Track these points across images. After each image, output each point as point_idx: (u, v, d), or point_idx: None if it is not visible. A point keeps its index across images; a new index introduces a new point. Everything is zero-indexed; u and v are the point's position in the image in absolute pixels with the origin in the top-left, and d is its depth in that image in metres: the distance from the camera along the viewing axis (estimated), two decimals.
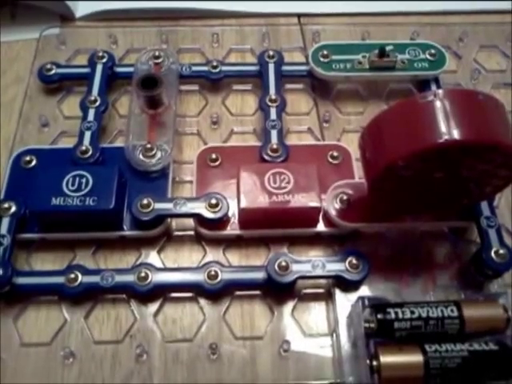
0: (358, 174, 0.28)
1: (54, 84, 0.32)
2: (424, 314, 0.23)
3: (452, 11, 0.37)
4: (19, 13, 0.36)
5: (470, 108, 0.21)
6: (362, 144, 0.23)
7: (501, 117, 0.21)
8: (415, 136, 0.20)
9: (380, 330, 0.22)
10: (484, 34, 0.36)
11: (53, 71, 0.31)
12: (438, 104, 0.20)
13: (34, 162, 0.28)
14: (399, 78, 0.32)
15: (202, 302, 0.25)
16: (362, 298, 0.24)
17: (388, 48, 0.31)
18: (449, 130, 0.20)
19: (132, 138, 0.28)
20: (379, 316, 0.23)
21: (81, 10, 0.36)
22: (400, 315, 0.23)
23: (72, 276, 0.24)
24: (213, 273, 0.25)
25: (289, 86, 0.33)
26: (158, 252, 0.27)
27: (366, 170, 0.23)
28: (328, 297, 0.26)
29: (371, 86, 0.33)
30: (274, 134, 0.29)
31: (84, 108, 0.29)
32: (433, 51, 0.32)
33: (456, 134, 0.20)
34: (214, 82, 0.32)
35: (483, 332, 0.23)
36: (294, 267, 0.24)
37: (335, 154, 0.29)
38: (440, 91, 0.21)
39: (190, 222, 0.27)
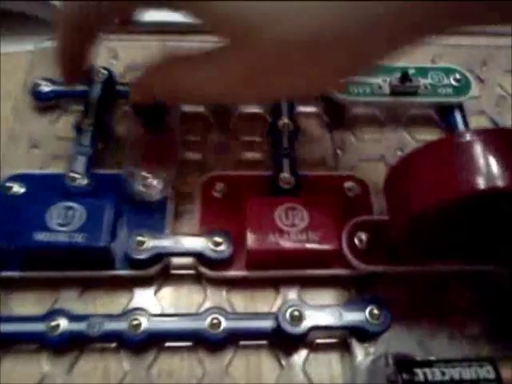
0: (377, 208, 0.26)
1: (48, 102, 0.29)
2: (456, 376, 0.20)
3: (476, 32, 0.34)
4: (14, 23, 0.33)
5: None
6: (389, 183, 0.21)
7: None
8: (453, 181, 0.18)
9: None
10: (508, 58, 0.33)
11: (46, 88, 0.29)
12: (478, 144, 0.18)
13: (19, 189, 0.25)
14: (422, 104, 0.30)
15: (202, 352, 0.22)
16: (385, 356, 0.21)
17: (410, 72, 0.29)
18: (492, 175, 0.17)
19: (129, 164, 0.25)
20: (405, 377, 0.20)
21: None
22: (429, 376, 0.20)
23: (53, 323, 0.21)
24: (215, 321, 0.22)
25: (300, 108, 0.30)
26: (154, 293, 0.24)
27: (394, 211, 0.21)
28: (343, 347, 0.23)
29: (389, 111, 0.31)
30: (285, 162, 0.26)
31: (79, 130, 0.27)
32: (457, 76, 0.30)
33: (500, 181, 0.17)
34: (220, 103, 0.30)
35: None
36: (308, 317, 0.22)
37: (351, 185, 0.26)
38: (480, 130, 0.18)
39: (190, 259, 0.24)
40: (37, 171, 0.27)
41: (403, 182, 0.20)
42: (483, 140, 0.18)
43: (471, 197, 0.17)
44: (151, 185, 0.25)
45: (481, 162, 0.17)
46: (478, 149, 0.18)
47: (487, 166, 0.17)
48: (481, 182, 0.17)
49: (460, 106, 0.30)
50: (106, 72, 0.29)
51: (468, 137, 0.18)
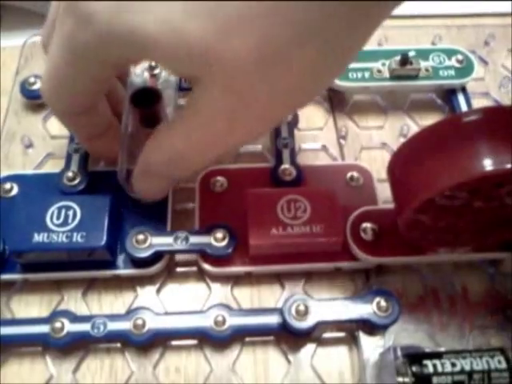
0: (382, 197, 0.25)
1: (39, 99, 0.28)
2: (467, 367, 0.20)
3: (479, 14, 0.33)
4: (4, 16, 0.32)
5: None
6: (394, 170, 0.20)
7: None
8: (466, 162, 0.17)
9: None
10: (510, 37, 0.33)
11: (37, 85, 0.28)
12: (488, 123, 0.17)
13: (15, 190, 0.24)
14: (423, 87, 0.29)
15: (208, 350, 0.22)
16: (393, 348, 0.20)
17: (410, 54, 0.28)
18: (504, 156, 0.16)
19: (126, 161, 0.25)
20: (414, 369, 0.20)
21: None
22: (439, 368, 0.20)
23: (58, 325, 0.21)
24: (220, 318, 0.21)
25: None
26: (157, 291, 0.23)
27: (400, 200, 0.20)
28: (351, 340, 0.23)
29: (390, 96, 0.30)
30: (285, 153, 0.26)
31: None
32: (460, 57, 0.29)
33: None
34: None
35: None
36: (314, 311, 0.21)
37: (355, 175, 0.26)
38: (489, 108, 0.18)
39: (193, 256, 0.24)
40: (32, 171, 0.26)
41: (408, 170, 0.19)
42: (491, 118, 0.17)
43: (485, 179, 0.17)
44: None
45: (492, 141, 0.16)
46: (487, 128, 0.17)
47: (499, 146, 0.16)
48: (493, 163, 0.16)
49: (463, 89, 0.29)
50: None
51: (474, 116, 0.17)
